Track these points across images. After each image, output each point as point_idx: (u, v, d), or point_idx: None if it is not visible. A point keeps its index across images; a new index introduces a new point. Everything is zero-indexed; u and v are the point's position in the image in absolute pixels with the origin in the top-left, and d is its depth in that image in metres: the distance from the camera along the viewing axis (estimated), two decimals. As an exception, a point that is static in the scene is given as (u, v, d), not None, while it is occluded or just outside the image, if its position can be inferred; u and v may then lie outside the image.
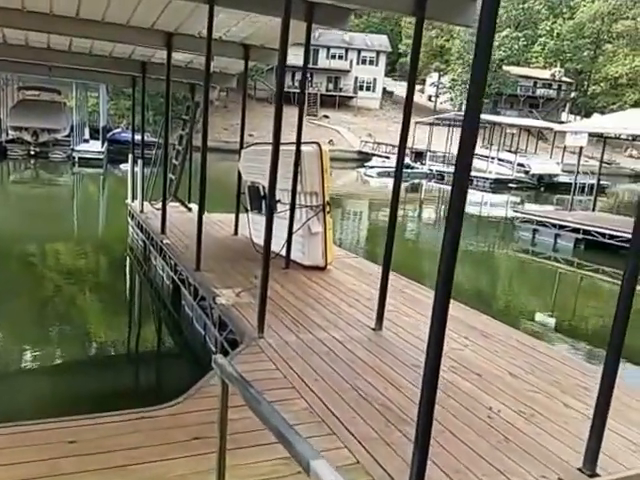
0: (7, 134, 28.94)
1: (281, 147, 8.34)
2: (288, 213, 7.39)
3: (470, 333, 5.41)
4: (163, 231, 8.89)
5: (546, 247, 15.52)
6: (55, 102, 30.83)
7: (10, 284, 8.63)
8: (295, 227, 7.35)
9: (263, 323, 4.76)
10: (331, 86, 57.23)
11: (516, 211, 18.76)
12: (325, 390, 3.84)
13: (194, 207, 11.75)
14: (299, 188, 7.24)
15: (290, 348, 4.57)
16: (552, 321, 9.35)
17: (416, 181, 35.54)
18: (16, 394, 5.22)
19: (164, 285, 8.51)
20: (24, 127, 27.76)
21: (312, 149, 7.24)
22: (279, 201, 8.13)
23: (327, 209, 7.41)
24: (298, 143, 7.11)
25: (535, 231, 16.29)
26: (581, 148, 17.69)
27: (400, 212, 20.65)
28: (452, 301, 6.51)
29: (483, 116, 41.18)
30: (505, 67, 58.70)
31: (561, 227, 15.45)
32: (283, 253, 7.37)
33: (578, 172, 18.21)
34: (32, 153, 27.71)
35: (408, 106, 4.99)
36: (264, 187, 8.45)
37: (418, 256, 13.93)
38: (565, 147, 38.52)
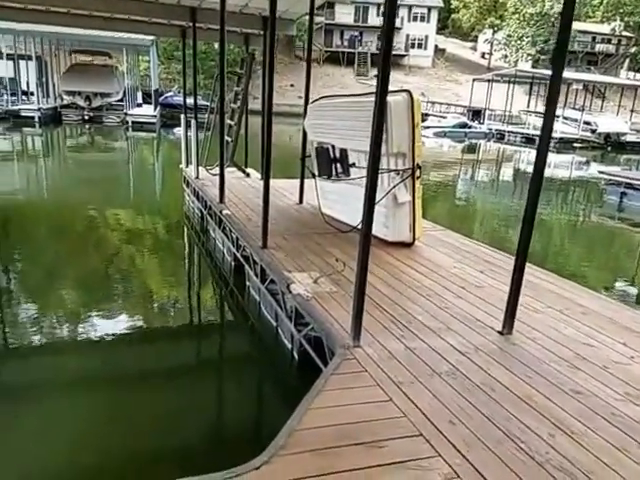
0: (62, 99, 28.83)
1: (359, 98, 7.09)
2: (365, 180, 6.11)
3: (629, 338, 4.05)
4: (222, 200, 7.81)
5: (637, 212, 13.66)
6: (107, 66, 30.52)
7: (66, 251, 8.17)
8: (377, 196, 6.06)
9: (360, 328, 3.57)
10: (381, 45, 54.67)
11: (601, 172, 16.74)
12: (469, 441, 2.62)
13: (252, 172, 10.74)
14: (383, 149, 5.91)
15: (399, 363, 3.37)
16: None
17: (474, 141, 33.58)
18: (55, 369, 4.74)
19: (225, 260, 7.50)
20: (77, 92, 27.52)
21: (401, 98, 5.87)
22: (353, 165, 6.90)
23: (417, 174, 6.08)
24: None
25: (623, 194, 14.32)
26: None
27: (474, 175, 19.12)
28: (585, 289, 5.17)
29: (546, 72, 38.61)
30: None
31: (654, 190, 13.56)
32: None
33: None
34: (86, 118, 27.53)
35: (555, 82, 3.58)
36: (334, 148, 7.19)
37: (509, 225, 12.35)
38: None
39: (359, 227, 4.53)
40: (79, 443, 3.63)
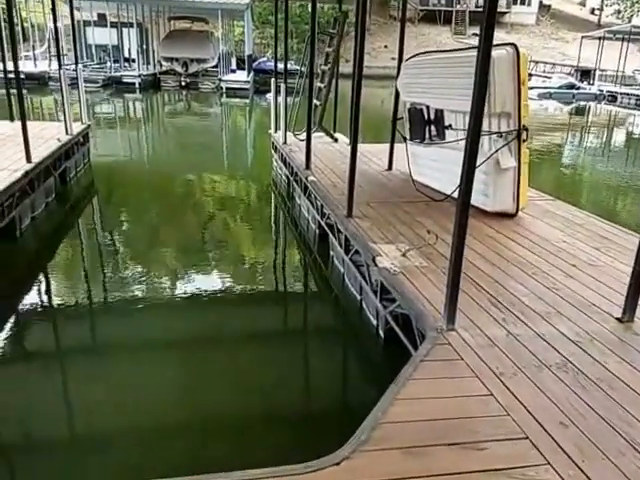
0: (160, 66, 29.87)
1: (458, 54, 6.49)
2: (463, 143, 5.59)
3: None
4: (308, 166, 7.60)
5: None
6: (203, 32, 30.98)
7: (164, 212, 8.50)
8: (477, 161, 5.54)
9: (455, 308, 3.22)
10: (481, 1, 50.81)
11: None
12: (584, 449, 2.24)
13: (340, 137, 10.42)
14: (484, 108, 5.35)
15: (500, 352, 3.00)
16: None
17: (582, 103, 30.96)
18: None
19: (309, 228, 7.34)
20: (175, 58, 28.30)
21: (505, 53, 5.26)
22: (449, 127, 6.37)
23: (523, 136, 5.47)
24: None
25: None
26: None
27: (584, 139, 17.53)
28: None
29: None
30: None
31: None
32: (456, 195, 5.66)
33: None
34: (183, 84, 28.25)
35: None
36: (429, 108, 6.68)
37: (626, 197, 11.19)
38: None
39: (454, 195, 4.13)
40: (155, 398, 3.68)
